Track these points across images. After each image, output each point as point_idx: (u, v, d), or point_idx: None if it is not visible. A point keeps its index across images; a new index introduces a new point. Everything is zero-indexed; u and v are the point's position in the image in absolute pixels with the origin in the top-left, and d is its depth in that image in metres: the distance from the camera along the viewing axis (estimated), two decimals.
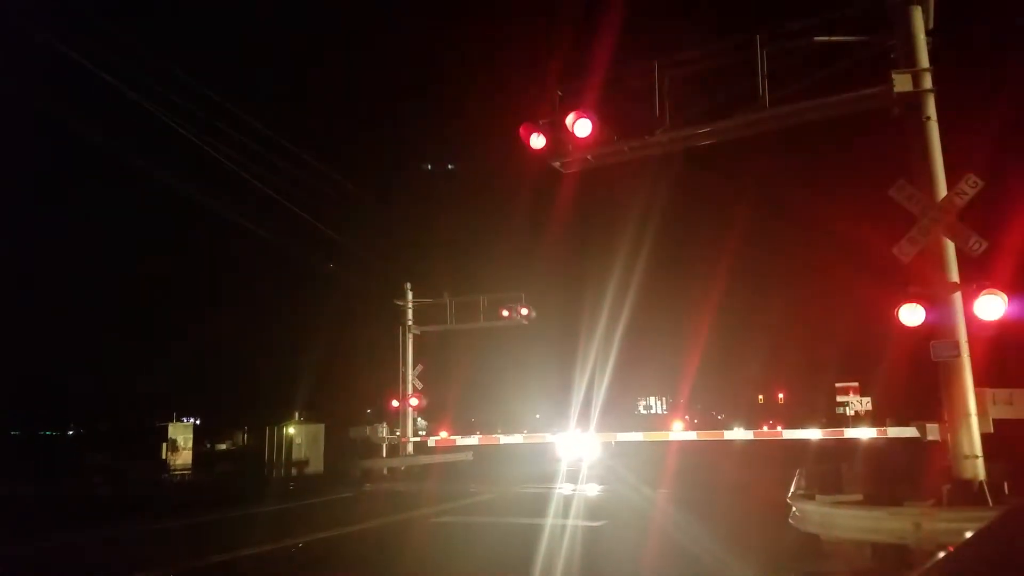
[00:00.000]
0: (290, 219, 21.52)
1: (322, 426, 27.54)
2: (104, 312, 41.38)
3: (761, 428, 28.95)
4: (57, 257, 40.77)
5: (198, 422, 30.26)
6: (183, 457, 27.39)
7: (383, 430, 25.23)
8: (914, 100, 9.84)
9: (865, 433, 19.53)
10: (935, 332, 9.41)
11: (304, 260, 27.56)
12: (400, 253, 30.28)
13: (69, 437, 42.96)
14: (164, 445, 27.11)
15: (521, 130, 11.75)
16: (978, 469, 9.21)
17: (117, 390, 39.53)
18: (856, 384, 27.49)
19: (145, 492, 21.36)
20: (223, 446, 39.71)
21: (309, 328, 35.71)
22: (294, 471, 25.31)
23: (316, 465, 26.25)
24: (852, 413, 26.39)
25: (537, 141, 11.68)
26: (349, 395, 33.57)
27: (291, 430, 26.49)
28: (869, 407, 26.75)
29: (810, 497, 10.23)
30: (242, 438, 40.08)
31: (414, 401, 25.60)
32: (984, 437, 9.35)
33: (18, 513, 17.11)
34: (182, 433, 27.74)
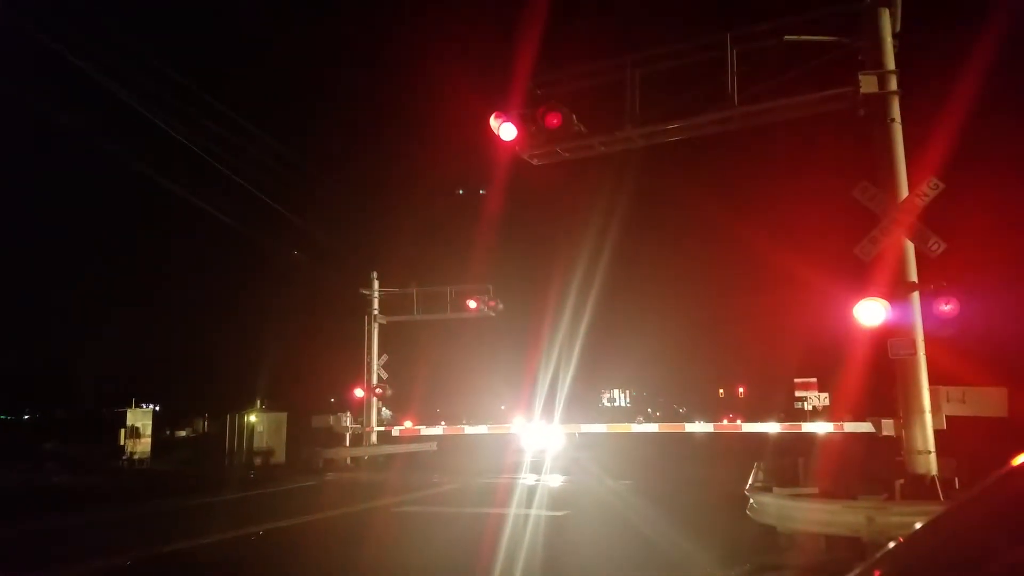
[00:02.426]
0: (255, 206, 21.23)
1: (284, 415, 27.21)
2: (62, 297, 40.36)
3: (721, 421, 29.39)
4: (12, 242, 39.65)
5: (157, 409, 29.64)
6: (142, 444, 26.78)
7: (347, 419, 25.07)
8: (879, 101, 10.04)
9: (822, 428, 19.92)
10: (893, 330, 9.63)
11: (269, 247, 27.22)
12: (366, 242, 30.05)
13: (25, 422, 41.88)
14: (122, 431, 26.50)
15: (491, 121, 11.71)
16: (930, 464, 9.47)
17: (75, 375, 38.64)
18: (815, 380, 28.00)
19: (103, 479, 20.93)
20: (183, 433, 39.02)
21: (273, 316, 35.33)
22: (259, 460, 25.01)
23: (278, 454, 25.94)
24: (810, 408, 26.88)
25: (507, 133, 11.65)
26: (313, 384, 33.26)
27: (253, 418, 26.12)
28: (827, 403, 27.28)
29: (767, 490, 10.43)
30: (203, 425, 39.44)
31: (379, 391, 25.47)
32: (937, 433, 9.61)
33: None
34: (141, 419, 27.11)
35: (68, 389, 38.48)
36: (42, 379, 40.57)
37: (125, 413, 26.84)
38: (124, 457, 25.79)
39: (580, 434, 25.80)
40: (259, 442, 25.75)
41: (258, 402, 27.82)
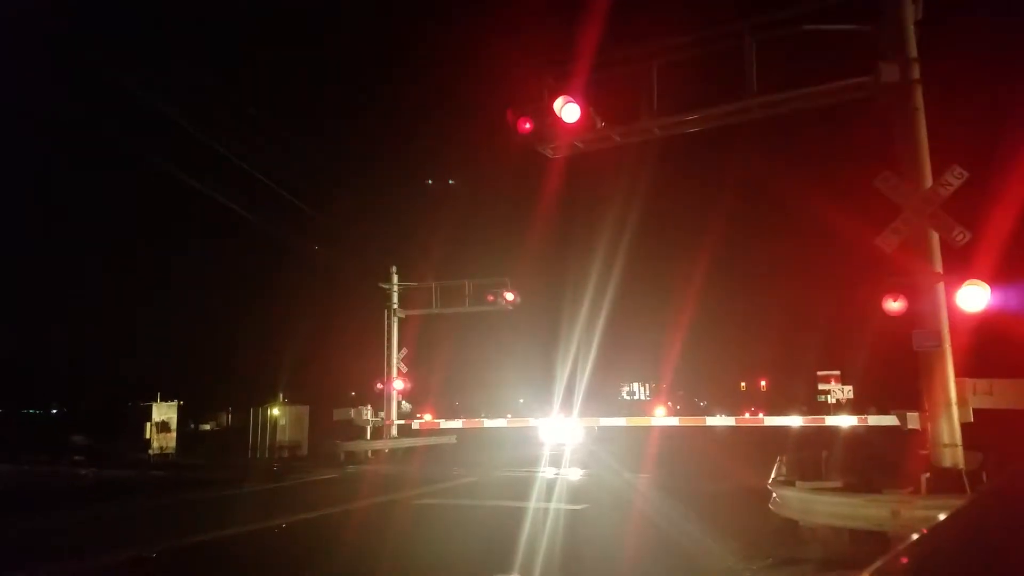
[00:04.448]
0: (275, 200, 21.39)
1: (307, 408, 27.49)
2: (87, 292, 41.00)
3: (743, 415, 29.16)
4: (38, 238, 40.34)
5: (182, 403, 30.04)
6: (167, 437, 27.22)
7: (367, 412, 25.25)
8: (901, 90, 9.87)
9: (846, 421, 19.76)
10: (917, 322, 9.50)
11: (290, 242, 27.41)
12: (385, 236, 30.16)
13: (53, 417, 42.63)
14: (148, 425, 26.92)
15: (508, 115, 11.69)
16: (957, 458, 9.33)
17: (100, 370, 39.21)
18: (838, 372, 27.72)
19: (128, 472, 21.24)
20: (207, 427, 39.47)
21: (294, 310, 35.54)
22: (286, 453, 25.32)
23: (301, 447, 26.24)
24: (833, 401, 26.63)
25: (524, 126, 11.62)
26: (334, 377, 33.47)
27: (275, 411, 26.42)
28: (850, 395, 27.00)
29: (790, 483, 10.34)
30: (226, 419, 39.85)
31: (399, 384, 25.62)
32: (963, 426, 9.47)
33: None
34: (166, 413, 27.52)
35: (94, 384, 39.06)
36: (68, 374, 41.23)
37: (150, 407, 27.25)
38: (150, 450, 26.19)
39: (599, 428, 25.76)
40: (282, 435, 26.05)
41: (280, 395, 28.08)
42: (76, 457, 24.70)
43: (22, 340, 38.44)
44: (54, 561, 9.48)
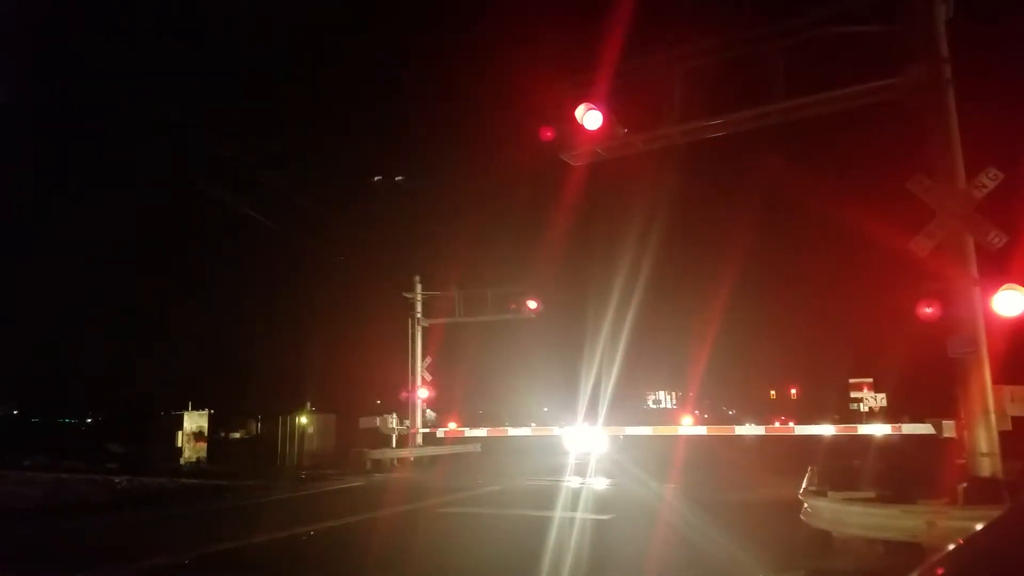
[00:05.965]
0: (303, 211, 21.62)
1: (333, 416, 27.67)
2: (118, 303, 41.81)
3: (773, 424, 28.74)
4: (70, 249, 41.29)
5: (212, 411, 30.46)
6: (199, 446, 27.56)
7: (392, 421, 25.33)
8: (932, 91, 9.68)
9: (879, 430, 19.38)
10: (953, 327, 9.27)
11: (317, 253, 27.68)
12: (409, 246, 30.34)
13: (87, 425, 43.50)
14: (179, 434, 27.29)
15: (531, 123, 11.70)
16: (996, 467, 9.08)
17: (133, 380, 39.89)
18: (870, 380, 27.25)
19: (162, 480, 21.50)
20: (237, 435, 39.89)
21: (320, 320, 35.91)
22: (314, 461, 25.52)
23: (328, 455, 26.41)
24: (866, 409, 26.17)
25: (547, 133, 11.61)
26: (359, 386, 33.67)
27: (303, 420, 26.65)
28: (884, 403, 26.51)
29: (822, 494, 10.14)
30: (256, 427, 40.26)
31: (423, 392, 25.69)
32: (1001, 435, 9.21)
33: (34, 496, 17.27)
34: (197, 422, 27.85)
35: (127, 393, 39.76)
36: (102, 383, 42.03)
37: (182, 416, 27.63)
38: (182, 459, 26.54)
39: (624, 436, 25.55)
40: (310, 443, 26.25)
41: (308, 404, 28.32)
42: (110, 465, 25.08)
43: (57, 351, 39.27)
44: (89, 567, 9.58)
